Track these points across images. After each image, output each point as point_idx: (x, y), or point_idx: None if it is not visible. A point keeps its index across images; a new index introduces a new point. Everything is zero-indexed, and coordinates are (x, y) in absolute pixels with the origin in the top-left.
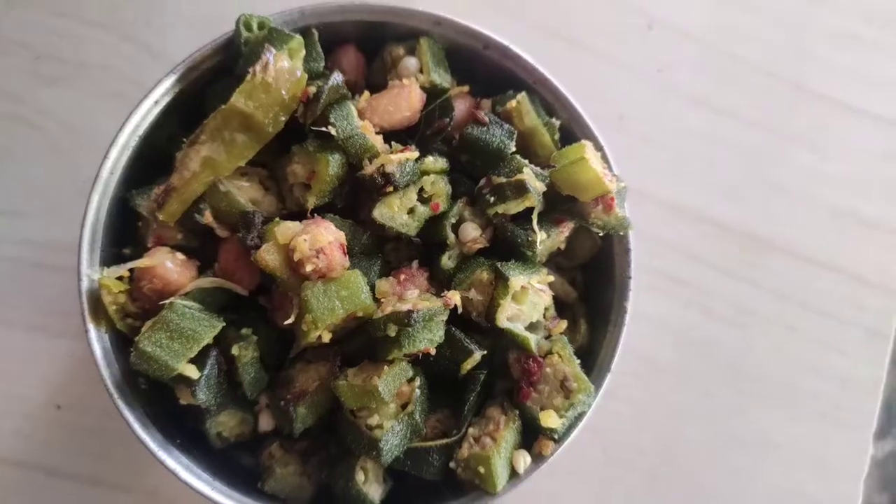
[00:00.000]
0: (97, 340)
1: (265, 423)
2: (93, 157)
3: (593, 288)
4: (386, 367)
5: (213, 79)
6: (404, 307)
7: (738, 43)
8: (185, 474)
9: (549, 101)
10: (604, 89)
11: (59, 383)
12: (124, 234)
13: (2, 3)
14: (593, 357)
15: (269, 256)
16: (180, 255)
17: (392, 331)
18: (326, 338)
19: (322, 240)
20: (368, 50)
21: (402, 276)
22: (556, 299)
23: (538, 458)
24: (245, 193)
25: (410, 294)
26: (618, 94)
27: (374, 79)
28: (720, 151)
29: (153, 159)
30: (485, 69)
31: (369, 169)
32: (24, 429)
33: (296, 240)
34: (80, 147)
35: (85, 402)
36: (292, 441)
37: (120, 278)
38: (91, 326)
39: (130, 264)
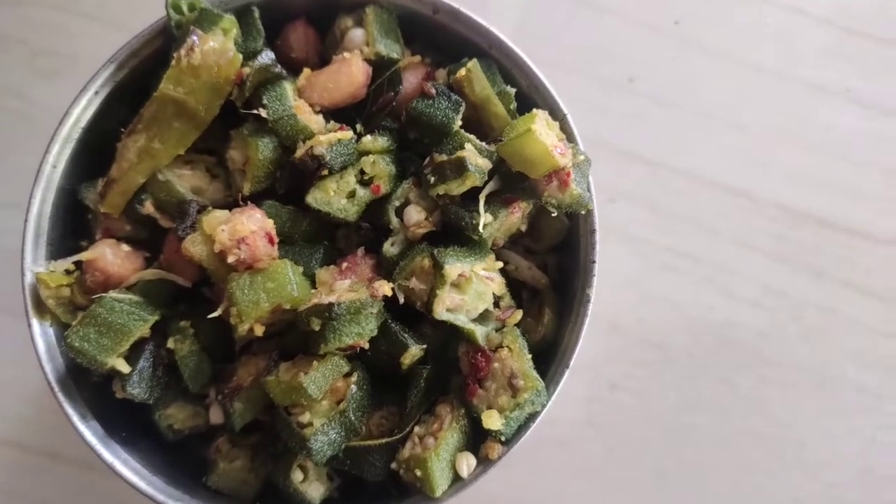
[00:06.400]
0: (40, 335)
1: (215, 415)
2: None
3: (565, 273)
4: (315, 362)
5: (158, 64)
6: (327, 299)
7: None
8: (121, 468)
9: (507, 67)
10: (611, 47)
11: None
12: (82, 227)
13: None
14: (554, 350)
15: (194, 248)
16: (125, 247)
17: (315, 324)
18: (259, 331)
19: (243, 230)
20: (323, 24)
21: (345, 265)
22: (526, 285)
23: (485, 462)
24: (187, 182)
25: (341, 285)
26: (628, 53)
27: (329, 54)
28: (746, 111)
29: (105, 150)
30: (442, 37)
31: (299, 152)
32: (26, 413)
33: (216, 230)
34: None
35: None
36: (245, 434)
37: (69, 271)
38: (34, 321)
39: (74, 258)
